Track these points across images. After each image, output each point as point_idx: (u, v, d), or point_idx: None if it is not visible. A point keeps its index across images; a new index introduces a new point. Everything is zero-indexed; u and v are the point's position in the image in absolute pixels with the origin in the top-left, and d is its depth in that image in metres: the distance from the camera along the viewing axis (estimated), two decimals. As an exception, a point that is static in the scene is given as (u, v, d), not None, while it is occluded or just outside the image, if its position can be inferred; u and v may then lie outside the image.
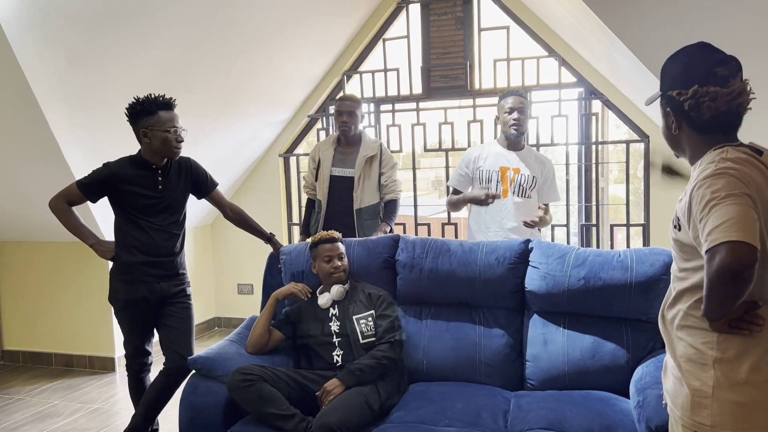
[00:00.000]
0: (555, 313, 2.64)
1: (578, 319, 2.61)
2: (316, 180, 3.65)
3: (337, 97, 3.65)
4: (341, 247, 2.80)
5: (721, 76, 1.38)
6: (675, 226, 1.45)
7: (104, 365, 4.41)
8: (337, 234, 2.84)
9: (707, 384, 1.36)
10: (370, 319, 2.66)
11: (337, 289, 2.71)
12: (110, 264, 2.81)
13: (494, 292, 2.71)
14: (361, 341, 2.60)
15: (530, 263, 2.69)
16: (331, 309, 2.71)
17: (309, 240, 3.15)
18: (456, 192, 3.31)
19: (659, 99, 1.50)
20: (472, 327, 2.72)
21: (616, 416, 2.22)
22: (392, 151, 4.77)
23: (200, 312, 5.00)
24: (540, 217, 3.15)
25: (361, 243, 2.98)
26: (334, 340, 2.64)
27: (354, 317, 2.65)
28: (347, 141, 3.59)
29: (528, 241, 2.77)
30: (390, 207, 3.63)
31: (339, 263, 2.74)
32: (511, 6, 4.43)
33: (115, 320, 4.23)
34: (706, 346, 1.38)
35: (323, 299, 2.71)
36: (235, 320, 5.43)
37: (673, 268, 1.51)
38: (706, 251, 1.24)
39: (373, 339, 2.61)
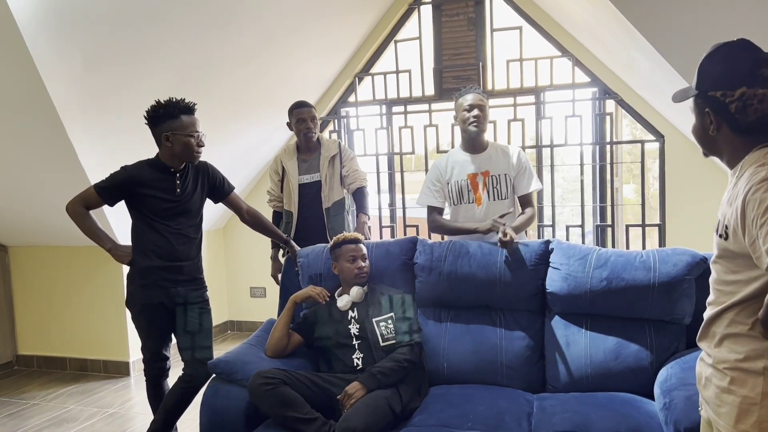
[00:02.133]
0: (577, 315, 2.62)
1: (600, 320, 2.58)
2: (282, 191, 3.61)
3: (293, 105, 3.55)
4: (364, 248, 2.79)
5: (767, 77, 1.33)
6: (721, 235, 1.38)
7: (119, 369, 4.41)
8: (359, 235, 2.83)
9: (756, 390, 1.32)
10: (390, 321, 2.64)
11: (356, 291, 2.70)
12: (124, 268, 2.81)
13: (515, 294, 2.69)
14: (381, 344, 2.59)
15: (551, 264, 2.67)
16: (350, 311, 2.69)
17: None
18: (436, 209, 3.04)
19: (693, 98, 1.44)
20: (492, 329, 2.70)
21: (642, 419, 2.19)
22: (404, 153, 4.81)
23: (213, 316, 4.99)
24: (513, 228, 2.77)
25: (378, 245, 2.96)
26: (354, 342, 2.63)
27: (373, 320, 2.63)
28: (308, 147, 3.56)
29: (548, 242, 2.75)
30: (360, 196, 3.58)
31: (363, 264, 2.73)
32: (523, 6, 4.42)
33: (129, 324, 4.26)
34: (756, 353, 1.34)
35: (342, 301, 2.70)
36: (248, 324, 5.42)
37: (716, 279, 1.45)
38: None
39: (394, 342, 2.59)
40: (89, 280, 4.42)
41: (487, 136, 3.12)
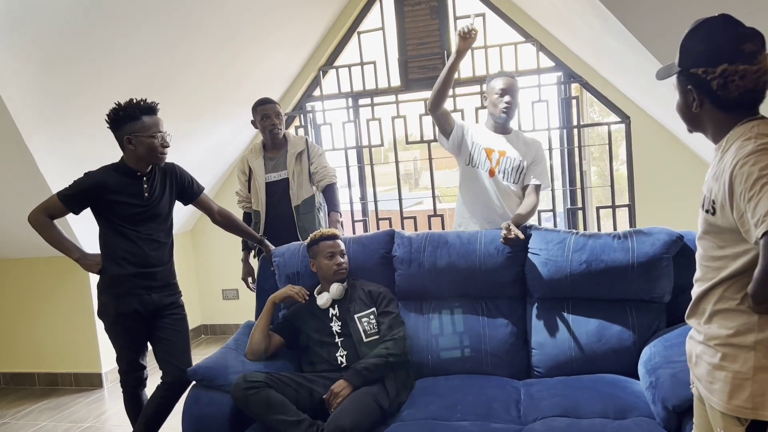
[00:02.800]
0: (558, 299, 2.63)
1: (582, 303, 2.59)
2: (249, 191, 3.53)
3: (256, 102, 3.47)
4: (342, 243, 2.74)
5: (748, 53, 1.32)
6: (708, 210, 1.38)
7: (91, 382, 4.28)
8: (337, 231, 2.78)
9: (748, 365, 1.32)
10: (372, 316, 2.61)
11: (336, 288, 2.65)
12: (92, 277, 2.70)
13: (495, 282, 2.68)
14: (365, 340, 2.55)
15: (530, 250, 2.67)
16: (331, 309, 2.65)
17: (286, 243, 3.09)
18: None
19: (676, 75, 1.43)
20: (475, 318, 2.69)
21: (629, 398, 2.21)
22: (373, 146, 4.77)
23: (186, 320, 4.90)
24: (519, 215, 2.78)
25: (355, 240, 2.92)
26: (337, 340, 2.59)
27: (355, 316, 2.60)
28: (275, 144, 3.47)
29: (526, 227, 2.74)
30: (330, 193, 3.47)
31: (342, 260, 2.69)
32: (485, -7, 4.40)
33: (100, 334, 4.14)
34: (746, 327, 1.33)
35: (322, 299, 2.65)
36: (222, 327, 5.33)
37: (703, 255, 1.45)
38: (764, 233, 1.18)
39: (377, 337, 2.56)
40: (55, 291, 4.27)
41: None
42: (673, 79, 1.46)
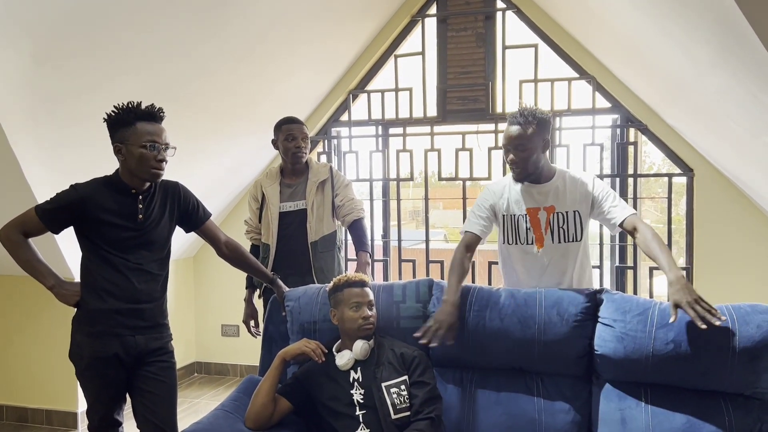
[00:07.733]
0: (634, 384, 2.12)
1: (665, 391, 2.09)
2: (260, 221, 3.09)
3: (281, 120, 3.05)
4: (371, 293, 2.27)
5: None
6: None
7: (64, 421, 3.78)
8: (366, 277, 2.32)
9: None
10: (403, 387, 2.12)
11: (361, 347, 2.17)
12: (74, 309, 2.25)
13: (556, 356, 2.19)
14: (393, 416, 2.06)
15: (601, 320, 2.18)
16: (353, 372, 2.17)
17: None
18: (468, 238, 2.43)
19: None
20: (529, 399, 2.19)
21: None
22: (402, 179, 4.33)
23: (178, 356, 4.41)
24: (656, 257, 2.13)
25: (386, 288, 2.45)
26: (358, 413, 2.09)
27: (383, 384, 2.11)
28: (295, 170, 3.05)
29: (596, 291, 2.26)
30: (357, 229, 3.02)
31: (370, 313, 2.22)
32: (538, 22, 4.00)
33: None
34: None
35: (342, 359, 2.17)
36: (218, 366, 4.82)
37: None
38: None
39: (407, 414, 2.07)
40: (33, 315, 3.80)
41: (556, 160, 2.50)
42: None
